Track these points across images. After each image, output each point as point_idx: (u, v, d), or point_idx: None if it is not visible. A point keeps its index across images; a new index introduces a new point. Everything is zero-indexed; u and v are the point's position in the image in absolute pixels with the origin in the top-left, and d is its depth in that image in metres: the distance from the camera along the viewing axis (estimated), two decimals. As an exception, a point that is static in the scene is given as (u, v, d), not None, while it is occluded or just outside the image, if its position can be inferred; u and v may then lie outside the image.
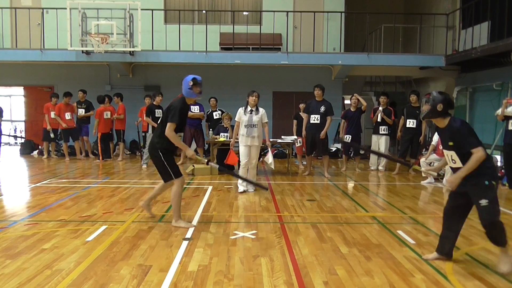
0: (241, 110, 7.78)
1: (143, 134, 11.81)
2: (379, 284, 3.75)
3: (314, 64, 13.38)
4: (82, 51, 12.34)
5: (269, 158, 8.09)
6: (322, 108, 9.46)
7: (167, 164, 5.35)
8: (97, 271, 3.94)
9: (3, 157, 11.90)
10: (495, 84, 11.28)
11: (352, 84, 15.40)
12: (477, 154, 3.83)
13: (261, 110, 7.82)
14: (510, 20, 10.00)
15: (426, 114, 4.08)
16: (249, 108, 7.72)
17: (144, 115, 11.11)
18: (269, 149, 8.13)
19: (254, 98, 7.72)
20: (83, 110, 12.45)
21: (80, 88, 12.59)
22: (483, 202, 3.92)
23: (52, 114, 12.06)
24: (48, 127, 12.09)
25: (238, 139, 7.80)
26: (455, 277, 3.93)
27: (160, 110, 10.91)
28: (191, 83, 5.35)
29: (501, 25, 10.36)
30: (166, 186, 5.64)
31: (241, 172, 7.83)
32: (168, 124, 5.21)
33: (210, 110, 11.45)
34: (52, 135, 12.22)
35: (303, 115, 9.75)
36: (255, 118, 7.67)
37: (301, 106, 10.72)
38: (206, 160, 5.59)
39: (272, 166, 8.29)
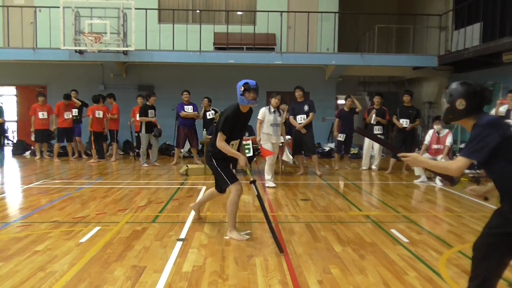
0: (265, 110, 8.28)
1: (136, 134, 11.78)
2: (373, 283, 3.77)
3: (307, 64, 13.41)
4: (75, 51, 12.28)
5: (287, 155, 8.76)
6: (306, 107, 9.61)
7: (221, 171, 4.99)
8: (91, 273, 3.93)
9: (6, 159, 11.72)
10: (487, 84, 11.35)
11: (345, 84, 15.46)
12: (455, 163, 2.72)
13: (281, 111, 8.52)
14: (502, 21, 10.07)
15: (444, 115, 2.97)
16: (272, 109, 8.23)
17: (137, 115, 11.10)
18: (286, 146, 8.82)
19: (277, 100, 8.28)
20: (76, 110, 12.38)
21: (73, 88, 12.54)
22: None
23: (41, 115, 11.89)
24: (52, 128, 11.91)
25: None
26: (449, 274, 3.96)
27: (153, 111, 10.91)
28: (243, 89, 4.89)
29: (493, 26, 10.44)
30: (215, 192, 5.42)
31: (268, 168, 8.31)
32: (218, 134, 4.86)
33: (203, 110, 11.43)
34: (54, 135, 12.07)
35: (290, 119, 9.81)
36: (279, 118, 8.28)
37: (283, 107, 10.51)
38: (251, 180, 5.03)
39: (291, 162, 8.91)
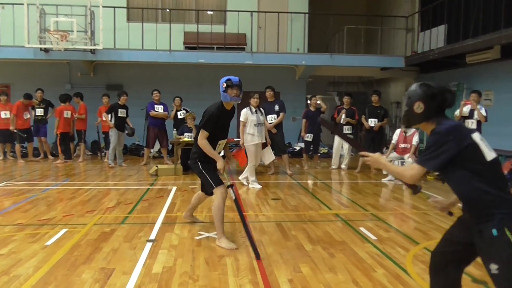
0: (247, 111, 8.28)
1: (103, 134, 11.55)
2: (342, 280, 3.82)
3: (278, 64, 13.47)
4: (41, 49, 11.95)
5: (269, 154, 8.80)
6: (276, 107, 9.68)
7: (206, 173, 4.81)
8: (57, 276, 3.84)
9: None
10: (451, 84, 11.67)
11: (315, 84, 15.62)
12: (409, 170, 2.56)
13: (262, 110, 8.55)
14: (465, 24, 10.39)
15: (403, 119, 2.83)
16: (253, 109, 8.25)
17: (104, 112, 10.90)
18: (269, 145, 8.85)
19: (255, 99, 8.30)
20: (42, 110, 12.06)
21: (38, 87, 12.19)
22: (493, 268, 2.38)
23: (3, 114, 11.47)
24: (11, 128, 11.52)
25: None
26: (415, 270, 4.05)
27: (125, 110, 10.74)
28: (225, 85, 4.78)
29: (457, 28, 10.75)
30: (203, 195, 5.29)
31: (251, 170, 8.29)
32: (200, 132, 4.70)
33: (175, 110, 11.31)
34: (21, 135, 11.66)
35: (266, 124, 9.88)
36: (261, 117, 8.34)
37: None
38: (229, 184, 4.81)
39: (270, 159, 8.96)
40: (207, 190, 5.05)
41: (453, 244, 2.67)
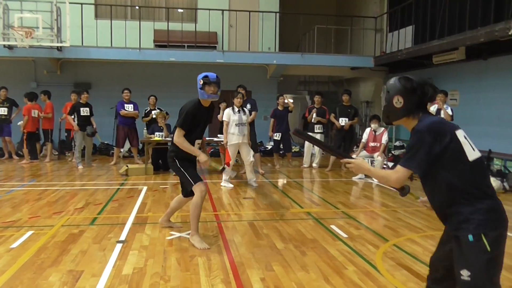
0: (229, 111, 8.22)
1: (66, 133, 11.24)
2: (314, 278, 3.85)
3: (249, 63, 13.47)
4: (4, 46, 11.56)
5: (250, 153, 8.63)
6: (248, 106, 9.66)
7: (184, 171, 4.68)
8: (23, 280, 3.72)
9: None
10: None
11: (286, 83, 15.69)
12: (394, 173, 2.42)
13: (246, 110, 8.49)
14: (432, 25, 10.64)
15: (383, 115, 2.66)
16: (236, 108, 8.20)
17: (67, 115, 10.63)
18: (247, 144, 8.60)
19: (238, 100, 8.26)
20: (6, 109, 11.67)
21: (2, 85, 11.80)
22: (464, 274, 2.27)
23: None
24: None
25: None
26: (385, 267, 4.12)
27: (88, 109, 10.49)
28: (202, 82, 4.63)
29: (424, 29, 11.01)
30: (183, 199, 5.11)
31: (228, 171, 8.27)
32: (176, 130, 4.56)
33: (149, 109, 11.10)
34: None
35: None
36: (244, 117, 8.25)
37: (222, 105, 10.41)
38: (220, 168, 4.85)
39: (252, 159, 8.56)
40: (186, 188, 4.87)
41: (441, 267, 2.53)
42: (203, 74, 4.69)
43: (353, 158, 2.71)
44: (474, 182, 2.30)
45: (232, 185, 8.23)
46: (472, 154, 2.33)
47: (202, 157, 4.61)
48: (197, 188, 4.62)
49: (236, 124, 8.14)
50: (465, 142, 2.33)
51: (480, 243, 2.22)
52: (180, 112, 4.66)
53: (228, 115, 8.21)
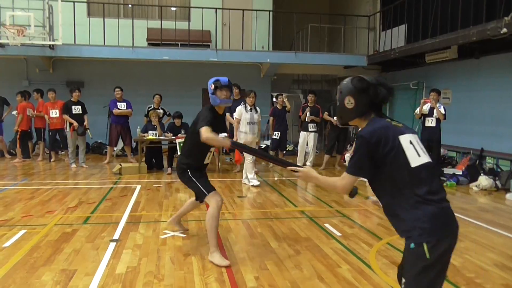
0: (241, 108, 8.23)
1: (50, 132, 11.12)
2: (308, 277, 3.86)
3: (243, 61, 13.45)
4: (-5, 44, 11.49)
5: None
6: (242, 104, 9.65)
7: (196, 181, 4.34)
8: (15, 279, 3.70)
9: None
10: (411, 83, 12.02)
11: (280, 82, 15.70)
12: (341, 180, 2.37)
13: (258, 109, 8.46)
14: (424, 24, 10.69)
15: (337, 116, 2.64)
16: (248, 107, 8.21)
17: (52, 111, 10.56)
18: (258, 146, 8.67)
19: (251, 99, 8.26)
20: (-3, 107, 11.61)
21: (-7, 84, 11.73)
22: (402, 281, 2.31)
23: None
24: None
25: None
26: (378, 265, 4.14)
27: (80, 107, 10.40)
28: (213, 86, 4.35)
29: (416, 28, 11.06)
30: (196, 203, 4.81)
31: (250, 166, 8.25)
32: (202, 129, 3.98)
33: (153, 106, 10.96)
34: None
35: (227, 116, 9.82)
36: (256, 116, 8.30)
37: None
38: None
39: (270, 164, 8.73)
40: (200, 199, 4.55)
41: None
42: (214, 78, 4.43)
43: (299, 166, 2.65)
44: (417, 188, 2.20)
45: (259, 182, 8.23)
46: (416, 160, 2.23)
47: (227, 142, 3.93)
48: (212, 199, 4.25)
49: (247, 123, 8.19)
50: (408, 147, 2.24)
51: (420, 249, 2.15)
52: (196, 119, 4.27)
53: (240, 112, 8.23)
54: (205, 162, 4.52)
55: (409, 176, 2.21)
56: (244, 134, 8.19)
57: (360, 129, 2.40)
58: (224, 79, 4.41)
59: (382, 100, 2.40)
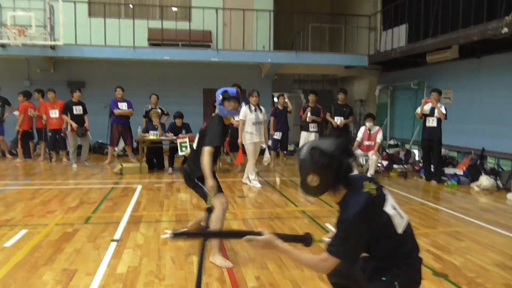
0: (246, 109, 8.11)
1: (49, 133, 11.13)
2: (308, 276, 3.86)
3: (244, 61, 13.46)
4: (-3, 44, 11.51)
5: (266, 155, 8.51)
6: (243, 105, 9.62)
7: (202, 185, 4.26)
8: (16, 279, 3.71)
9: None
10: (412, 83, 12.01)
11: (281, 82, 15.70)
12: (323, 263, 2.24)
13: (263, 108, 8.32)
14: (425, 23, 10.68)
15: (301, 190, 2.39)
16: (253, 107, 8.11)
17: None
18: (266, 146, 8.42)
19: (254, 98, 8.17)
20: (-2, 107, 11.63)
21: (-6, 84, 11.74)
22: None
23: None
24: None
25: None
26: (379, 265, 4.13)
27: (81, 107, 10.42)
28: (221, 97, 4.30)
29: (417, 27, 11.05)
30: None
31: (252, 167, 8.20)
32: (206, 149, 4.07)
33: (150, 107, 11.00)
34: None
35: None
36: (261, 115, 8.16)
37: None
38: (208, 206, 4.03)
39: (268, 161, 8.53)
40: (207, 203, 4.33)
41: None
42: (222, 89, 4.39)
43: (258, 234, 2.33)
44: (402, 253, 2.24)
45: (260, 185, 8.13)
46: (401, 224, 2.23)
47: (210, 183, 4.08)
48: (217, 201, 4.21)
49: (253, 123, 8.07)
50: (394, 214, 2.22)
51: (391, 285, 2.19)
52: (206, 131, 4.27)
53: (244, 113, 8.12)
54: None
55: (398, 241, 2.22)
56: (250, 135, 8.09)
57: (339, 211, 2.23)
58: (232, 90, 4.36)
59: (347, 171, 2.22)
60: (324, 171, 2.18)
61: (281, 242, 2.31)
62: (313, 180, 2.22)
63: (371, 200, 2.17)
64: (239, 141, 8.31)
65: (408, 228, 2.27)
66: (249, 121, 8.09)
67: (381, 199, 2.23)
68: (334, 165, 2.17)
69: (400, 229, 2.21)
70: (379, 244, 2.21)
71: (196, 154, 4.31)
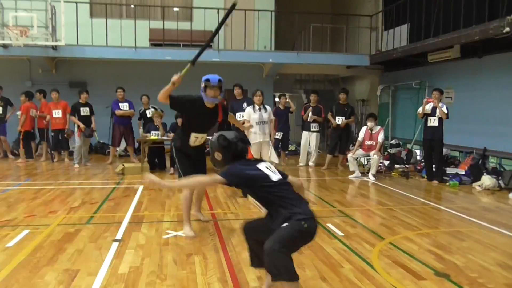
0: (249, 109, 8.17)
1: (52, 133, 11.14)
2: (310, 276, 3.86)
3: (245, 61, 13.46)
4: (-1, 44, 11.52)
5: (273, 154, 8.47)
6: (245, 105, 9.62)
7: (177, 161, 5.05)
8: (18, 279, 3.71)
9: None
10: (414, 82, 12.00)
11: (282, 82, 15.70)
12: (212, 176, 3.05)
13: (268, 108, 8.27)
14: (427, 23, 10.68)
15: (212, 164, 3.37)
16: (257, 107, 8.13)
17: (71, 116, 10.58)
18: (271, 144, 8.38)
19: (258, 97, 8.17)
20: (1, 108, 11.63)
21: (-4, 84, 11.76)
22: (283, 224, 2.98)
23: None
24: None
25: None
26: (381, 265, 4.14)
27: (88, 108, 10.49)
28: (203, 85, 4.74)
29: (419, 27, 11.04)
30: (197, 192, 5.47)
31: None
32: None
33: (143, 108, 11.08)
34: None
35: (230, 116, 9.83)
36: (265, 115, 8.15)
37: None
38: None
39: (276, 161, 8.51)
40: (179, 177, 4.98)
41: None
42: (206, 76, 4.75)
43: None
44: (284, 193, 3.04)
45: None
46: (274, 177, 3.08)
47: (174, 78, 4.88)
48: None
49: (256, 123, 8.04)
50: (266, 170, 3.08)
51: (299, 225, 2.92)
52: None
53: (248, 113, 8.15)
54: (191, 145, 4.97)
55: (275, 187, 3.03)
56: (254, 135, 8.06)
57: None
58: (214, 79, 4.72)
59: (241, 153, 3.17)
60: (224, 150, 3.16)
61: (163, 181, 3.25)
62: (218, 156, 3.21)
63: (249, 162, 3.19)
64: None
65: (285, 185, 3.13)
66: (252, 121, 8.08)
67: (258, 161, 3.20)
68: (231, 147, 3.15)
69: (274, 178, 3.06)
70: (263, 190, 3.03)
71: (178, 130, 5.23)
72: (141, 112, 11.04)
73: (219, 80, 4.74)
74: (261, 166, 3.12)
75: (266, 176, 3.05)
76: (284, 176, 3.18)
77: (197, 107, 4.80)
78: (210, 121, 5.03)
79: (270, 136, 8.35)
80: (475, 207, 6.77)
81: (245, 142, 3.21)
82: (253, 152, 8.08)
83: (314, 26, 13.99)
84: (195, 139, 4.94)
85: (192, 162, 5.00)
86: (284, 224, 2.93)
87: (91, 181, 8.62)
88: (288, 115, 11.07)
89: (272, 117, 8.35)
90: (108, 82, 13.21)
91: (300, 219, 2.94)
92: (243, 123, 9.45)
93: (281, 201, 3.02)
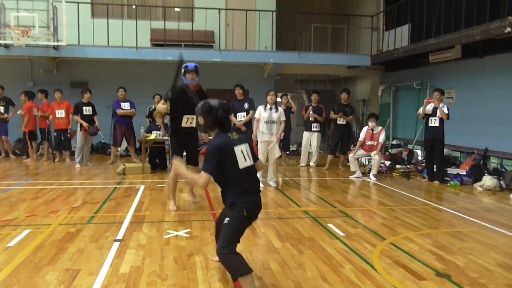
0: (261, 108, 8.19)
1: (55, 133, 11.17)
2: (311, 277, 3.86)
3: (246, 61, 13.46)
4: (0, 44, 11.52)
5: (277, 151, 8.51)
6: (246, 105, 9.62)
7: (170, 142, 6.19)
8: (20, 278, 3.72)
9: None
10: (415, 83, 11.99)
11: (283, 82, 15.69)
12: (200, 178, 3.28)
13: (280, 108, 8.31)
14: (428, 23, 10.67)
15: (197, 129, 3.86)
16: (268, 106, 8.14)
17: (74, 115, 10.60)
18: (276, 142, 8.32)
19: (271, 97, 8.18)
20: (2, 108, 11.65)
21: (-2, 84, 11.78)
22: (226, 220, 3.36)
23: None
24: None
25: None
26: (381, 265, 4.13)
27: (90, 108, 10.50)
28: (183, 70, 5.96)
29: (420, 27, 11.03)
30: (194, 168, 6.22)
31: (274, 168, 8.40)
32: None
33: (154, 107, 11.05)
34: None
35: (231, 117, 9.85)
36: (275, 115, 8.14)
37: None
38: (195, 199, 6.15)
39: (278, 155, 8.52)
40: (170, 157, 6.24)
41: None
42: (185, 64, 5.94)
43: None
44: (242, 182, 3.35)
45: (262, 185, 7.97)
46: (243, 163, 3.36)
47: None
48: (174, 161, 5.45)
49: (265, 122, 8.06)
50: (240, 155, 3.35)
51: (240, 213, 3.31)
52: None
53: (259, 112, 8.19)
54: (183, 125, 5.97)
55: (238, 174, 3.32)
56: (261, 134, 8.11)
57: (210, 138, 3.53)
58: (191, 65, 5.97)
59: (221, 119, 3.39)
60: (206, 115, 3.41)
61: (183, 169, 3.84)
62: (201, 120, 3.47)
63: (228, 140, 3.38)
64: (252, 135, 8.37)
65: (250, 170, 3.42)
66: (262, 119, 8.13)
67: (235, 142, 3.38)
68: (213, 113, 3.39)
69: (241, 166, 3.34)
70: (228, 171, 3.31)
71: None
72: (151, 110, 11.04)
73: (195, 66, 5.98)
74: (237, 148, 3.37)
75: (235, 164, 3.33)
76: (254, 159, 3.53)
77: (183, 96, 5.90)
78: (191, 108, 5.68)
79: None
80: (476, 207, 6.77)
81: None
82: (260, 150, 8.09)
83: (315, 26, 14.00)
84: (186, 119, 5.93)
85: (182, 143, 6.03)
86: (226, 220, 3.33)
87: (92, 181, 8.63)
88: (290, 115, 11.07)
89: (283, 118, 8.30)
90: (109, 82, 13.23)
91: (241, 206, 3.31)
92: (249, 122, 9.53)
93: (233, 188, 3.35)
